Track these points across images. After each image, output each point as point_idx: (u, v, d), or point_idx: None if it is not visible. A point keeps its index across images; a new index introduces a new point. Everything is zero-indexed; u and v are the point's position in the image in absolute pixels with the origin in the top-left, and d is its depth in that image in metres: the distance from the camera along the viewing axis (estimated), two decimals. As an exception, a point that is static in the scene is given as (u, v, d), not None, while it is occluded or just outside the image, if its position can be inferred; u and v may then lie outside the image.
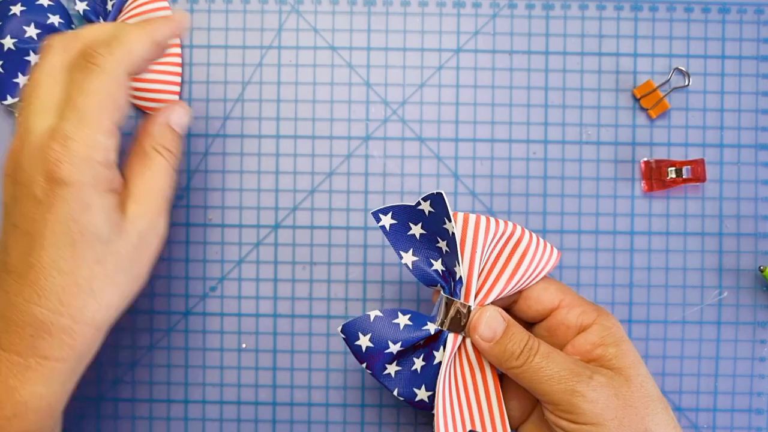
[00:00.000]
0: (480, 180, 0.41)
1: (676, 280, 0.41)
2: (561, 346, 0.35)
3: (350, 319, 0.34)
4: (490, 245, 0.34)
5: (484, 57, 0.42)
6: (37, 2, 0.40)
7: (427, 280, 0.34)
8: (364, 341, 0.33)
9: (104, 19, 0.40)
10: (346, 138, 0.41)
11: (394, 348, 0.33)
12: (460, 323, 0.34)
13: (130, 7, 0.40)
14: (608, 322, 0.34)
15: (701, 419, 0.41)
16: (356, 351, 0.34)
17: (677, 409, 0.41)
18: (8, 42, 0.39)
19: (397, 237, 0.34)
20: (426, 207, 0.33)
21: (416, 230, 0.34)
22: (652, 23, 0.42)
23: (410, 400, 0.35)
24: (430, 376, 0.34)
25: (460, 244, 0.33)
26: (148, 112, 0.40)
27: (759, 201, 0.41)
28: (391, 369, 0.34)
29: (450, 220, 0.32)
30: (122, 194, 0.32)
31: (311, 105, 0.41)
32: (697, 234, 0.41)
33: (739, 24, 0.41)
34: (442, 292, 0.34)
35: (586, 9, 0.42)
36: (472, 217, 0.33)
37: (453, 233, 0.33)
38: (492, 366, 0.35)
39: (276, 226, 0.41)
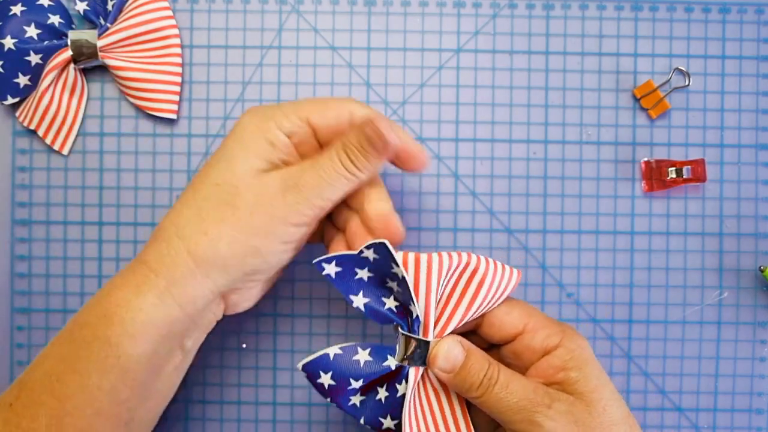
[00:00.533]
0: (480, 180, 0.41)
1: (676, 280, 0.41)
2: (526, 369, 0.35)
3: (310, 359, 0.33)
4: (445, 279, 0.33)
5: (484, 57, 0.42)
6: (38, 2, 0.40)
7: (382, 319, 0.34)
8: (325, 379, 0.33)
9: (104, 20, 0.40)
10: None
11: (355, 384, 0.33)
12: (421, 357, 0.33)
13: (130, 8, 0.40)
14: (573, 344, 0.34)
15: (701, 419, 0.41)
16: (319, 388, 0.33)
17: (678, 409, 0.41)
18: (8, 42, 0.39)
19: (344, 282, 0.34)
20: (370, 254, 0.33)
21: (363, 274, 0.34)
22: (652, 23, 0.42)
23: (377, 428, 0.34)
24: (394, 405, 0.34)
25: (414, 284, 0.32)
26: (149, 112, 0.40)
27: (759, 201, 0.41)
28: (356, 400, 0.34)
29: (398, 266, 0.32)
30: None
31: (311, 105, 0.41)
32: (697, 234, 0.41)
33: (740, 24, 0.41)
34: (399, 329, 0.34)
35: (586, 9, 0.42)
36: (424, 257, 0.32)
37: (403, 276, 0.32)
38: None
39: (276, 226, 0.41)
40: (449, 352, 0.33)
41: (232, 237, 0.32)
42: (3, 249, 0.41)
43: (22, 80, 0.40)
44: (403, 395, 0.34)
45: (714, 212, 0.41)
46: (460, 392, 0.34)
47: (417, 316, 0.33)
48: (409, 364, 0.33)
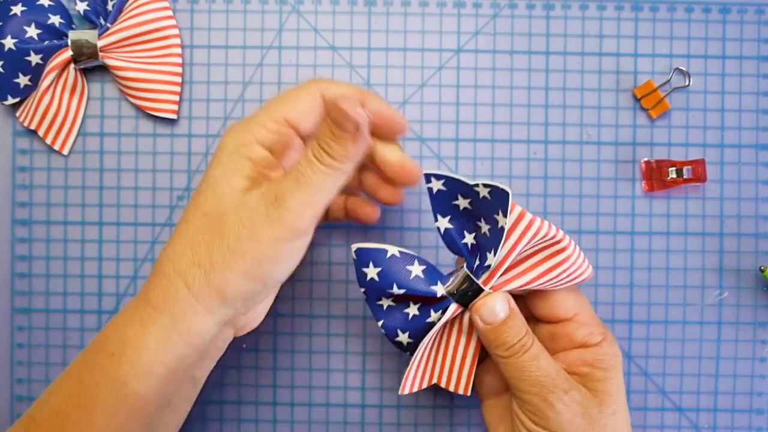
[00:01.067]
0: (480, 180, 0.41)
1: (676, 280, 0.41)
2: (555, 352, 0.35)
3: (367, 246, 0.33)
4: (531, 243, 0.33)
5: (484, 57, 0.42)
6: (38, 2, 0.40)
7: (453, 248, 0.34)
8: (371, 272, 0.33)
9: (105, 20, 0.40)
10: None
11: (396, 290, 0.33)
12: (467, 299, 0.34)
13: (130, 8, 0.40)
14: (610, 349, 0.34)
15: (702, 419, 0.41)
16: (360, 276, 0.34)
17: (678, 409, 0.41)
18: (9, 42, 0.39)
19: (440, 202, 0.34)
20: (483, 191, 0.32)
21: (462, 203, 0.34)
22: (652, 23, 0.41)
23: (390, 337, 0.35)
24: (417, 327, 0.34)
25: (506, 237, 0.32)
26: (150, 112, 0.40)
27: (759, 201, 0.41)
28: (385, 302, 0.34)
29: (506, 217, 0.32)
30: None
31: (312, 105, 0.41)
32: (697, 234, 0.41)
33: (740, 24, 0.41)
34: (465, 265, 0.34)
35: (586, 9, 0.42)
36: (528, 216, 0.32)
37: (503, 227, 0.32)
38: (479, 341, 0.35)
39: (276, 227, 0.41)
40: (495, 306, 0.34)
41: (224, 266, 0.31)
42: (3, 249, 0.41)
43: (23, 80, 0.40)
44: (432, 323, 0.34)
45: (714, 212, 0.41)
46: (490, 346, 0.34)
47: (489, 264, 0.33)
48: (453, 299, 0.34)
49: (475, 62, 0.42)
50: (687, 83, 0.41)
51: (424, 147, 0.41)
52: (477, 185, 0.32)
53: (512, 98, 0.41)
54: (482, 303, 0.34)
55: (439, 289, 0.34)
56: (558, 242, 0.33)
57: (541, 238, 0.33)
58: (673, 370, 0.41)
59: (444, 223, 0.34)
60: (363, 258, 0.34)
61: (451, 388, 0.36)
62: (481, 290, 0.34)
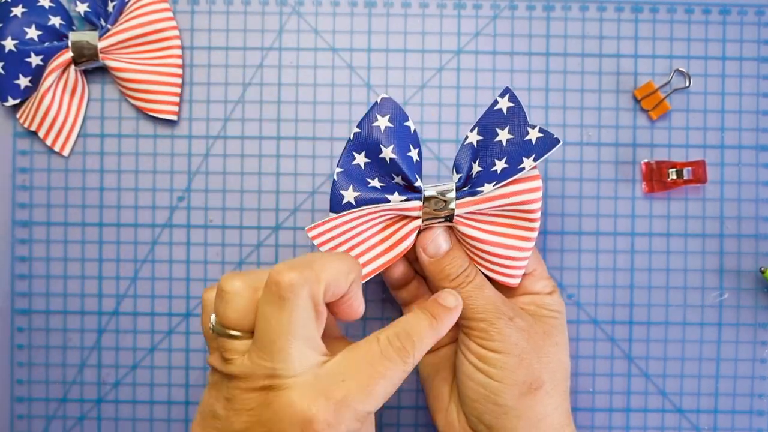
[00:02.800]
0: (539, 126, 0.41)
1: (676, 281, 0.41)
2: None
3: (394, 103, 0.34)
4: (517, 207, 0.34)
5: (484, 58, 0.42)
6: (38, 4, 0.40)
7: (458, 163, 0.35)
8: (382, 122, 0.34)
9: (105, 21, 0.40)
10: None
11: (386, 153, 0.34)
12: (437, 205, 0.34)
13: (130, 9, 0.40)
14: (558, 299, 0.37)
15: (702, 421, 0.41)
16: (370, 118, 0.34)
17: (678, 410, 0.41)
18: (9, 43, 0.39)
19: (488, 120, 0.34)
20: (534, 135, 0.34)
21: (502, 135, 0.34)
22: (652, 24, 0.42)
23: (337, 187, 0.34)
24: (370, 196, 0.34)
25: (509, 182, 0.33)
26: (150, 113, 0.40)
27: (760, 202, 0.41)
28: (360, 160, 0.34)
29: (535, 161, 0.33)
30: None
31: (312, 106, 0.41)
32: (697, 235, 0.41)
33: (740, 25, 0.41)
34: (454, 172, 0.35)
35: (586, 10, 0.42)
36: (539, 183, 0.34)
37: (522, 168, 0.33)
38: (402, 256, 0.35)
39: (277, 228, 0.41)
40: (438, 239, 0.35)
41: None
42: (4, 250, 0.41)
43: (23, 81, 0.40)
44: (381, 199, 0.34)
45: (714, 213, 0.41)
46: (435, 279, 0.35)
47: (481, 191, 0.33)
48: (424, 197, 0.34)
49: (476, 63, 0.42)
50: (687, 84, 0.41)
51: (425, 148, 0.41)
52: (534, 126, 0.34)
53: (512, 99, 0.41)
54: (425, 235, 0.35)
55: (419, 183, 0.34)
56: (531, 230, 0.35)
57: (525, 212, 0.34)
58: (674, 371, 0.41)
59: (473, 137, 0.35)
60: (387, 109, 0.34)
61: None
62: (450, 211, 0.34)
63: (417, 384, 0.41)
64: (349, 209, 0.34)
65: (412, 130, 0.34)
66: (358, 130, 0.34)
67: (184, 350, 0.41)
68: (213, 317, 0.30)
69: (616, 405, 0.41)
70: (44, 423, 0.41)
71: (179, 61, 0.41)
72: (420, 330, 0.32)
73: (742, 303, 0.41)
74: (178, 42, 0.40)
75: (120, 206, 0.41)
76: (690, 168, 0.40)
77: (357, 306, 0.32)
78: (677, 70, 0.41)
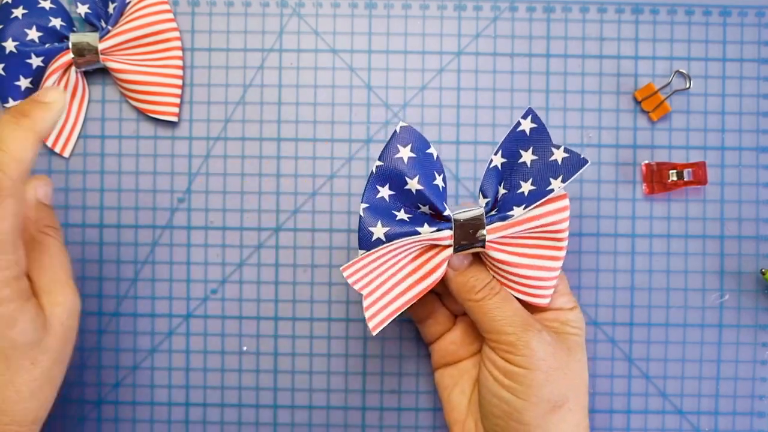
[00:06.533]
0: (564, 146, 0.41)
1: (677, 283, 0.41)
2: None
3: (414, 131, 0.34)
4: (546, 229, 0.34)
5: (485, 60, 0.42)
6: (39, 5, 0.40)
7: (484, 187, 0.35)
8: (405, 152, 0.33)
9: (105, 22, 0.40)
10: (348, 141, 0.41)
11: (412, 184, 0.33)
12: (467, 231, 0.34)
13: (131, 10, 0.40)
14: (580, 315, 0.37)
15: (703, 422, 0.41)
16: (392, 150, 0.33)
17: (679, 412, 0.41)
18: (10, 45, 0.39)
19: (512, 142, 0.34)
20: (560, 155, 0.33)
21: (527, 157, 0.34)
22: (653, 26, 0.42)
23: (365, 224, 0.34)
24: (399, 230, 0.34)
25: (537, 205, 0.33)
26: (150, 115, 0.40)
27: (760, 204, 0.41)
28: (384, 193, 0.34)
29: (563, 182, 0.33)
30: (31, 287, 0.32)
31: (312, 108, 0.41)
32: (698, 237, 0.41)
33: (740, 27, 0.41)
34: (480, 197, 0.35)
35: (587, 12, 0.42)
36: (566, 202, 0.33)
37: (551, 190, 0.33)
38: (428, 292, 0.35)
39: (277, 229, 0.41)
40: (461, 254, 0.35)
41: None
42: (4, 251, 0.41)
43: (24, 83, 0.40)
44: (411, 233, 0.33)
45: (715, 215, 0.41)
46: (461, 293, 0.35)
47: (512, 214, 0.33)
48: (455, 226, 0.33)
49: (476, 65, 0.42)
50: (687, 86, 0.41)
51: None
52: (559, 147, 0.33)
53: (513, 101, 0.41)
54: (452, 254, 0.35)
55: (449, 211, 0.34)
56: (559, 249, 0.34)
57: (554, 231, 0.33)
58: (674, 372, 0.41)
59: (497, 160, 0.35)
60: (408, 137, 0.34)
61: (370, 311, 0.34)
62: (482, 239, 0.34)
63: (417, 385, 0.41)
64: (379, 245, 0.33)
65: (435, 157, 0.34)
66: (380, 163, 0.33)
67: (185, 351, 0.41)
68: None
69: (617, 406, 0.41)
70: (44, 424, 0.41)
71: (180, 63, 0.41)
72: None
73: (743, 305, 0.41)
74: (178, 43, 0.40)
75: (120, 207, 0.41)
76: (690, 169, 0.40)
77: (49, 117, 0.30)
78: (678, 71, 0.41)
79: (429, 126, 0.41)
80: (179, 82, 0.41)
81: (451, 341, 0.38)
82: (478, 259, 0.35)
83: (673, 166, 0.40)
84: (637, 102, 0.41)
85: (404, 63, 0.41)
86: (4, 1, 0.40)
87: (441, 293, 0.38)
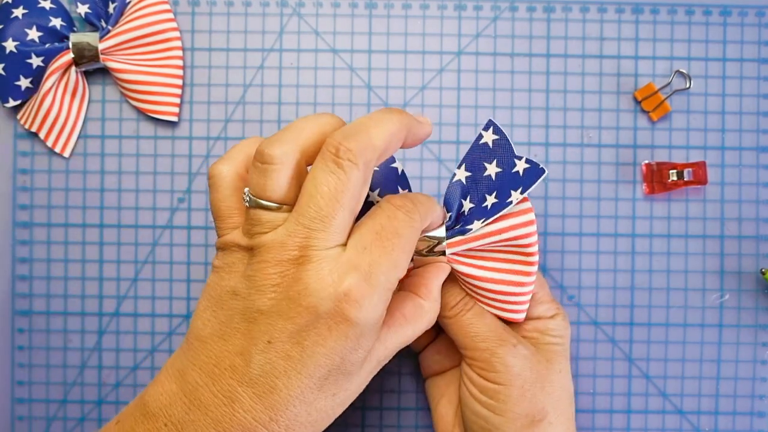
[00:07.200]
0: (526, 156, 0.41)
1: (677, 282, 0.41)
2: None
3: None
4: (512, 243, 0.33)
5: (485, 59, 0.42)
6: (39, 5, 0.40)
7: (448, 200, 0.34)
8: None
9: (106, 22, 0.40)
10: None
11: (372, 196, 0.33)
12: (429, 245, 0.33)
13: (131, 10, 0.40)
14: (562, 322, 0.36)
15: (703, 422, 0.41)
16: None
17: (679, 412, 0.41)
18: (10, 44, 0.39)
19: (475, 155, 0.34)
20: (521, 166, 0.32)
21: (491, 170, 0.33)
22: (653, 26, 0.42)
23: None
24: None
25: (500, 217, 0.32)
26: (150, 115, 0.40)
27: (760, 203, 0.41)
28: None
29: (522, 194, 0.32)
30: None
31: (312, 108, 0.41)
32: (698, 237, 0.41)
33: (741, 27, 0.41)
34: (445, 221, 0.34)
35: (587, 12, 0.42)
36: (532, 223, 0.32)
37: (510, 202, 0.32)
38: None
39: (277, 229, 0.41)
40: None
41: None
42: (4, 251, 0.41)
43: (24, 83, 0.40)
44: None
45: (715, 215, 0.41)
46: None
47: (471, 228, 0.33)
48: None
49: (476, 65, 0.42)
50: (688, 86, 0.41)
51: (425, 149, 0.41)
52: (521, 158, 0.33)
53: (513, 101, 0.41)
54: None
55: None
56: (529, 264, 0.33)
57: (521, 246, 0.33)
58: (675, 372, 0.41)
59: (461, 174, 0.34)
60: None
61: None
62: (442, 249, 0.33)
63: (417, 385, 0.41)
64: None
65: (399, 171, 0.34)
66: None
67: (185, 351, 0.41)
68: (247, 190, 0.29)
69: (617, 406, 0.41)
70: (45, 424, 0.41)
71: (180, 63, 0.41)
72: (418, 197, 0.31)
73: (743, 304, 0.41)
74: (178, 43, 0.40)
75: (120, 207, 0.41)
76: (691, 169, 0.40)
77: (421, 134, 0.31)
78: (678, 71, 0.41)
79: (429, 126, 0.41)
80: (179, 82, 0.41)
81: (436, 351, 0.38)
82: (452, 276, 0.35)
83: (674, 166, 0.40)
84: (638, 102, 0.41)
85: (404, 63, 0.41)
86: (4, 1, 0.40)
87: None
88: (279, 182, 0.28)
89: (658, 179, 0.41)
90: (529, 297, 0.34)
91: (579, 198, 0.41)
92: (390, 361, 0.41)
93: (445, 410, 0.37)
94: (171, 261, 0.41)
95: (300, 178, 0.29)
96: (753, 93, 0.41)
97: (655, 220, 0.41)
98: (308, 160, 0.29)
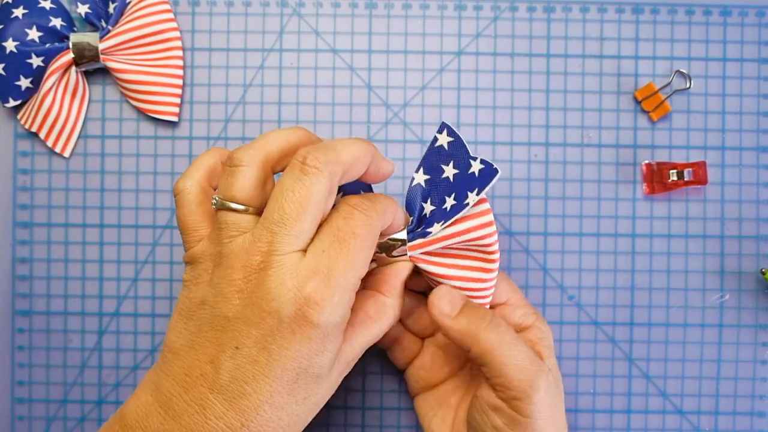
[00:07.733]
0: (481, 157, 0.41)
1: (677, 282, 0.41)
2: None
3: None
4: (472, 243, 0.33)
5: (485, 59, 0.42)
6: (39, 5, 0.40)
7: (409, 202, 0.34)
8: None
9: (106, 22, 0.40)
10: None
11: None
12: (386, 247, 0.33)
13: (131, 10, 0.40)
14: (544, 327, 0.36)
15: (703, 422, 0.41)
16: None
17: (679, 412, 0.41)
18: (10, 44, 0.39)
19: (432, 158, 0.34)
20: (476, 166, 0.33)
21: (449, 171, 0.34)
22: (653, 26, 0.42)
23: None
24: None
25: (459, 219, 0.33)
26: (150, 115, 0.40)
27: (761, 203, 0.41)
28: None
29: (477, 195, 0.32)
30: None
31: (313, 108, 0.41)
32: (698, 237, 0.41)
33: (741, 27, 0.41)
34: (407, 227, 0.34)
35: (587, 12, 0.42)
36: (490, 217, 0.33)
37: (467, 204, 0.32)
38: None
39: (277, 229, 0.41)
40: (448, 292, 0.33)
41: None
42: (4, 251, 0.41)
43: (24, 83, 0.40)
44: None
45: (715, 215, 0.41)
46: (462, 337, 0.33)
47: (430, 231, 0.33)
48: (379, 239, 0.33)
49: (476, 65, 0.42)
50: (688, 86, 0.41)
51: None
52: (476, 158, 0.33)
53: (513, 101, 0.41)
54: (435, 296, 0.33)
55: None
56: (491, 261, 0.34)
57: (482, 246, 0.33)
58: (675, 372, 0.41)
59: (420, 178, 0.34)
60: None
61: None
62: (402, 243, 0.33)
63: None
64: None
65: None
66: None
67: (185, 351, 0.41)
68: (215, 196, 0.30)
69: (617, 406, 0.41)
70: (45, 424, 0.41)
71: (180, 63, 0.41)
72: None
73: (743, 304, 0.41)
74: (179, 43, 0.40)
75: (121, 207, 0.41)
76: (691, 169, 0.40)
77: (384, 169, 0.32)
78: (678, 71, 0.41)
79: (429, 126, 0.41)
80: (179, 82, 0.41)
81: (421, 366, 0.38)
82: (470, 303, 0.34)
83: (674, 166, 0.40)
84: (638, 102, 0.41)
85: (404, 63, 0.41)
86: (4, 1, 0.40)
87: (403, 317, 0.37)
88: (244, 182, 0.29)
89: (658, 179, 0.41)
90: (492, 291, 0.35)
91: (579, 198, 0.41)
92: (390, 362, 0.41)
93: (439, 428, 0.37)
94: (171, 261, 0.41)
95: (266, 181, 0.30)
96: (753, 93, 0.41)
97: (655, 220, 0.41)
98: (274, 166, 0.31)
